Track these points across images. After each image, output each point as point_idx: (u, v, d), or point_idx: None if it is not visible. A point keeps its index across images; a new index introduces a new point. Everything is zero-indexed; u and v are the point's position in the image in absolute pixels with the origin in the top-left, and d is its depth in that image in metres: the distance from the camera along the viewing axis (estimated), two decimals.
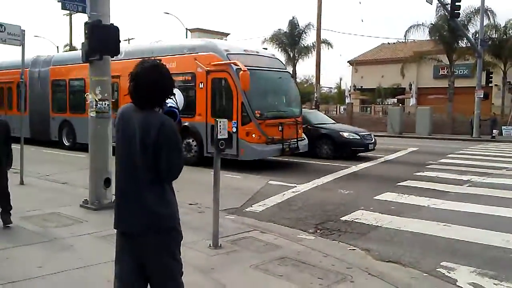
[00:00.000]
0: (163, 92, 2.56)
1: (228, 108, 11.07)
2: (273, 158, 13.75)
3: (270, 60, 12.82)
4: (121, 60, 12.16)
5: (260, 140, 10.83)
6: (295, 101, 12.94)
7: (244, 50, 12.00)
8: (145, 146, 2.46)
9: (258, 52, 12.82)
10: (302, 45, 41.31)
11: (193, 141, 11.74)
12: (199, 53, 11.68)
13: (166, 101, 2.61)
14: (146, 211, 2.51)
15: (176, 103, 2.75)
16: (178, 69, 11.63)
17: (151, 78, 2.50)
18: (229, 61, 10.95)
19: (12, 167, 5.93)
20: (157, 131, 2.44)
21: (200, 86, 11.49)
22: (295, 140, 11.81)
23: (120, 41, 6.50)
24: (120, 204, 2.64)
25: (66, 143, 15.77)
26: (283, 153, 11.54)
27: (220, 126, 4.78)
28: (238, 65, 10.60)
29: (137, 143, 2.48)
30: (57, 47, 53.50)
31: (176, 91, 2.70)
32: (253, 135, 10.75)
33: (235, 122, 10.68)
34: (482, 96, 25.64)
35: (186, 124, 11.04)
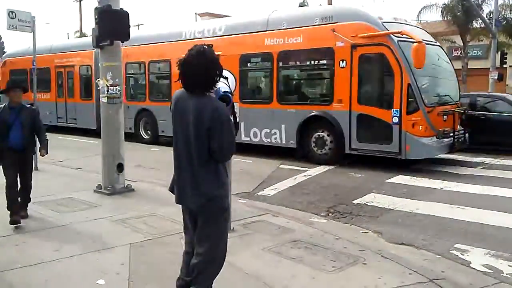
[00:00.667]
0: (210, 77, 2.68)
1: (387, 93, 8.81)
2: None
3: (423, 32, 10.39)
4: (221, 36, 11.11)
5: (428, 133, 8.63)
6: (453, 82, 10.40)
7: (394, 18, 9.57)
8: (199, 130, 2.65)
9: (406, 21, 10.31)
10: None
11: (328, 135, 9.49)
12: (338, 23, 9.24)
13: (218, 85, 2.73)
14: (201, 192, 2.75)
15: (229, 87, 2.82)
16: (306, 44, 9.65)
17: (198, 63, 2.63)
18: (387, 31, 8.64)
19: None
20: (211, 116, 2.61)
21: (340, 65, 9.13)
22: (462, 132, 9.54)
23: (130, 26, 6.49)
24: (178, 184, 2.87)
25: (144, 135, 13.54)
26: (452, 150, 9.25)
27: None
28: (402, 36, 8.54)
29: (192, 126, 2.66)
30: (67, 33, 53.72)
31: (228, 74, 2.81)
32: (420, 127, 8.51)
33: (396, 111, 8.49)
34: (496, 77, 25.18)
35: (314, 113, 9.64)
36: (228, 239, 4.34)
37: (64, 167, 9.07)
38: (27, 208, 5.37)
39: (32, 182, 5.37)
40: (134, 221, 5.17)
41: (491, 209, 5.99)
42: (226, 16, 49.01)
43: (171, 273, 3.75)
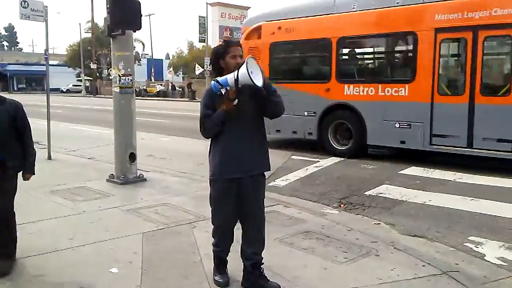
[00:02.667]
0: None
1: None
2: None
3: None
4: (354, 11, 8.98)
5: None
6: None
7: None
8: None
9: None
10: None
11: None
12: None
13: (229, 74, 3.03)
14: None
15: (235, 75, 2.97)
16: None
17: None
18: None
19: (39, 142, 5.91)
20: None
21: None
22: None
23: (142, 15, 6.48)
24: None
25: (336, 144, 9.66)
26: None
27: None
28: None
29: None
30: (79, 24, 53.99)
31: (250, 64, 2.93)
32: None
33: None
34: None
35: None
36: (238, 230, 4.37)
37: (77, 157, 9.16)
38: (12, 256, 3.65)
39: (14, 211, 3.67)
40: (146, 211, 5.21)
41: (505, 201, 5.91)
42: (238, 6, 48.70)
43: (183, 262, 3.79)
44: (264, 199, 3.44)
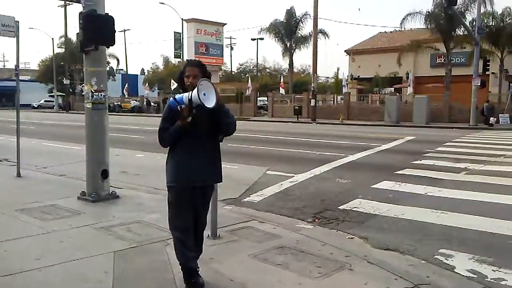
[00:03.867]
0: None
1: None
2: (271, 148, 13.81)
3: None
4: None
5: None
6: None
7: None
8: None
9: None
10: (299, 35, 41.26)
11: None
12: None
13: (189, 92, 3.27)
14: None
15: (189, 95, 3.25)
16: None
17: None
18: None
19: (8, 159, 5.79)
20: None
21: None
22: None
23: (115, 31, 6.44)
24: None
25: None
26: None
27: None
28: None
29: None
30: (52, 39, 53.24)
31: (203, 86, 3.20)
32: None
33: None
34: (479, 84, 25.66)
35: None
36: (214, 246, 4.39)
37: (48, 174, 8.94)
38: None
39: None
40: (119, 229, 5.11)
41: (475, 214, 6.05)
42: (213, 22, 49.19)
43: (155, 280, 3.73)
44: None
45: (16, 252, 4.35)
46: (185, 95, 3.28)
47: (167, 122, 3.45)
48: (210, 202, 4.83)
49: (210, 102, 3.19)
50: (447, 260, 4.46)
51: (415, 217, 5.97)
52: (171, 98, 3.41)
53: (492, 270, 4.20)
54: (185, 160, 3.47)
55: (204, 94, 3.18)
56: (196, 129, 3.39)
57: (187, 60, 3.64)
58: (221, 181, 3.75)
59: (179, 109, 3.32)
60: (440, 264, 4.35)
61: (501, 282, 3.93)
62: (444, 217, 5.95)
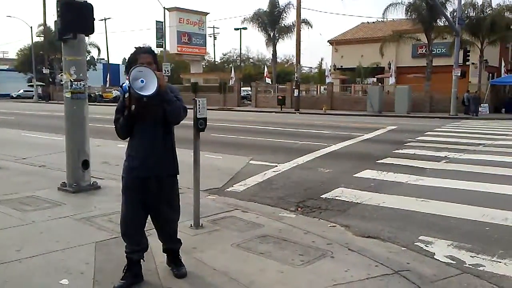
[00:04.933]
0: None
1: None
2: (254, 138, 13.83)
3: None
4: None
5: None
6: None
7: None
8: None
9: None
10: (283, 25, 41.17)
11: None
12: None
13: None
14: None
15: (128, 84, 3.13)
16: None
17: None
18: None
19: None
20: None
21: None
22: None
23: (94, 19, 6.32)
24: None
25: None
26: None
27: (199, 105, 4.71)
28: None
29: None
30: (31, 27, 52.10)
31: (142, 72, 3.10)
32: None
33: None
34: (459, 74, 26.04)
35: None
36: (196, 236, 4.36)
37: (27, 165, 8.79)
38: None
39: None
40: (100, 219, 5.06)
41: (454, 201, 6.16)
42: (196, 11, 48.67)
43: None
44: (176, 203, 3.64)
45: None
46: (127, 83, 3.16)
47: (119, 112, 3.35)
48: (195, 194, 4.85)
49: (149, 90, 3.07)
50: (427, 246, 4.54)
51: (396, 205, 6.06)
52: (119, 88, 3.32)
53: (470, 256, 4.29)
54: (134, 150, 3.40)
55: (142, 81, 3.06)
56: (144, 118, 3.28)
57: (137, 47, 3.43)
58: (174, 173, 3.55)
59: (124, 98, 3.26)
60: (420, 250, 4.43)
61: (478, 268, 4.02)
62: (424, 205, 6.05)
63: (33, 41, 52.52)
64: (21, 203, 5.74)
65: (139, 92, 3.05)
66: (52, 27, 47.68)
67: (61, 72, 7.98)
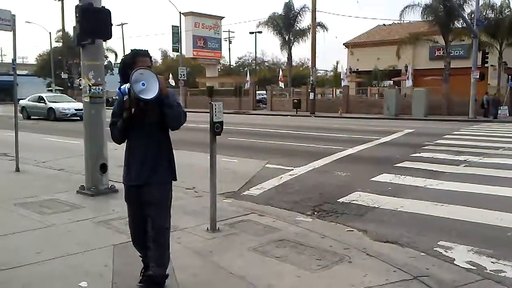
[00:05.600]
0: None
1: None
2: (270, 141, 13.82)
3: None
4: None
5: None
6: None
7: None
8: None
9: None
10: (298, 28, 41.10)
11: None
12: None
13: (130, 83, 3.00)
14: None
15: (128, 86, 3.05)
16: None
17: None
18: None
19: (7, 154, 5.79)
20: None
21: None
22: None
23: (112, 25, 6.40)
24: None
25: None
26: None
27: (215, 109, 4.73)
28: None
29: None
30: (50, 33, 52.94)
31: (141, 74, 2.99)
32: None
33: None
34: (478, 76, 25.64)
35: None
36: (213, 239, 4.34)
37: (47, 168, 8.93)
38: None
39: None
40: (118, 222, 5.10)
41: (474, 206, 6.06)
42: (211, 15, 48.90)
43: None
44: (166, 213, 3.37)
45: (16, 246, 4.35)
46: (127, 86, 3.06)
47: (115, 116, 3.24)
48: (212, 198, 4.84)
49: (150, 93, 2.96)
50: (447, 252, 4.47)
51: (415, 209, 5.98)
52: (118, 90, 3.20)
53: (491, 262, 4.21)
54: (128, 156, 3.29)
55: (143, 84, 2.96)
56: (141, 122, 3.16)
57: (134, 50, 3.28)
58: (168, 181, 3.38)
59: (123, 100, 3.14)
60: (439, 256, 4.36)
61: (500, 274, 3.94)
62: (443, 209, 5.96)
63: (52, 47, 53.42)
64: (41, 206, 5.83)
65: (140, 96, 2.96)
66: (71, 33, 48.50)
67: (80, 77, 8.08)
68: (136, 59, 3.18)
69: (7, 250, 4.27)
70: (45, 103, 25.40)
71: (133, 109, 3.09)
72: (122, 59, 3.33)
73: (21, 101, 25.84)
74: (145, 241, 3.36)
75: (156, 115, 3.15)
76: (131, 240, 3.54)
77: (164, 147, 3.32)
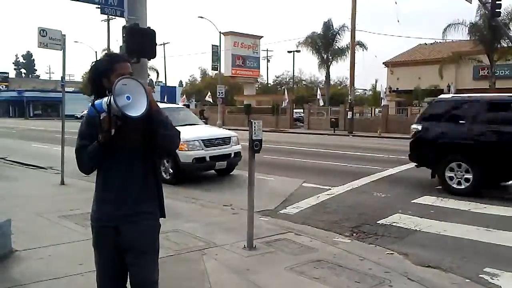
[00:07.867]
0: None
1: None
2: (307, 160, 13.72)
3: None
4: None
5: None
6: None
7: None
8: None
9: None
10: (336, 47, 41.07)
11: None
12: None
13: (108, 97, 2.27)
14: None
15: (106, 101, 2.27)
16: None
17: None
18: None
19: (53, 168, 6.00)
20: None
21: None
22: None
23: (156, 44, 6.62)
24: None
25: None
26: None
27: (255, 127, 4.77)
28: None
29: None
30: (96, 51, 55.30)
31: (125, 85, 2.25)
32: None
33: None
34: None
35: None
36: (250, 257, 4.28)
37: (90, 182, 9.15)
38: None
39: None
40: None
41: None
42: (251, 35, 49.54)
43: None
44: (153, 260, 2.56)
45: (60, 257, 4.50)
46: (104, 100, 2.29)
47: (85, 138, 2.45)
48: (249, 215, 4.85)
49: (137, 110, 2.22)
50: (493, 279, 4.27)
51: (458, 234, 5.76)
52: (90, 106, 2.43)
53: None
54: (103, 191, 2.50)
55: (128, 98, 2.23)
56: (121, 147, 2.40)
57: (112, 53, 2.69)
58: (155, 219, 2.59)
59: (99, 119, 2.33)
60: (485, 283, 4.17)
61: None
62: (489, 234, 5.72)
63: None
64: (85, 219, 5.98)
65: (126, 112, 2.20)
66: (115, 52, 50.45)
67: None
68: (114, 65, 2.44)
69: (52, 260, 4.42)
70: None
71: (113, 130, 2.31)
72: (93, 65, 2.57)
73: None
74: None
75: (139, 138, 2.43)
76: None
77: (150, 181, 2.53)
